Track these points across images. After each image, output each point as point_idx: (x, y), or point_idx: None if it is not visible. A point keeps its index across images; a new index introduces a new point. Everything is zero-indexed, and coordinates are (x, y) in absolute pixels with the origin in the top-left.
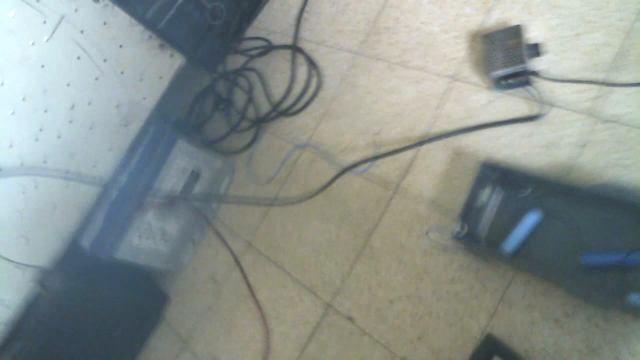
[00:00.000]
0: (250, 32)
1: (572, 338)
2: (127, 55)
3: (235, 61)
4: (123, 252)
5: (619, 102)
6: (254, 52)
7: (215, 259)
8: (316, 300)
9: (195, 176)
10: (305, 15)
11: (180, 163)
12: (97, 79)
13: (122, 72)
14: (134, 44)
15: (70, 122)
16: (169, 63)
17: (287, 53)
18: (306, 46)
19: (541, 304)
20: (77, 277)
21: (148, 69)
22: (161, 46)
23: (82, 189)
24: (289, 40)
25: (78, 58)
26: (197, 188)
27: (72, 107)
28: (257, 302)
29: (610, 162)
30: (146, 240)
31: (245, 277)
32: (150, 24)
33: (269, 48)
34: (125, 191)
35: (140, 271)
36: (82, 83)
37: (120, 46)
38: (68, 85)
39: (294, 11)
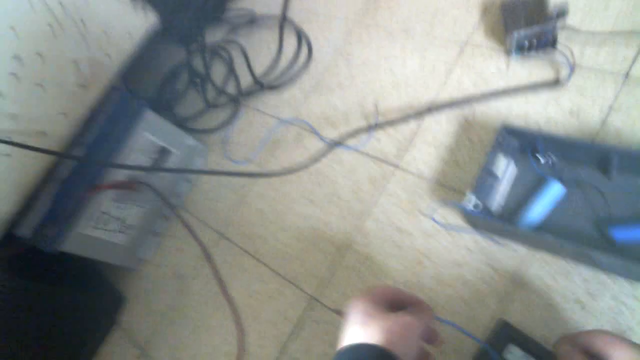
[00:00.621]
0: (234, 3)
1: (598, 319)
2: (91, 2)
3: (215, 34)
4: (72, 243)
5: None
6: (237, 24)
7: (182, 253)
8: (299, 293)
9: (162, 153)
10: None
11: (147, 137)
12: (50, 26)
13: (82, 21)
14: None
15: (14, 75)
16: (141, 20)
17: (274, 24)
18: (296, 16)
19: (561, 285)
20: (12, 273)
21: (115, 22)
22: None
23: (24, 162)
24: (276, 10)
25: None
26: (165, 167)
27: (17, 58)
28: (229, 298)
29: None
30: (101, 230)
31: (216, 271)
32: None
33: (254, 18)
34: (79, 168)
35: (92, 267)
36: (31, 29)
37: None
38: (12, 29)
39: None
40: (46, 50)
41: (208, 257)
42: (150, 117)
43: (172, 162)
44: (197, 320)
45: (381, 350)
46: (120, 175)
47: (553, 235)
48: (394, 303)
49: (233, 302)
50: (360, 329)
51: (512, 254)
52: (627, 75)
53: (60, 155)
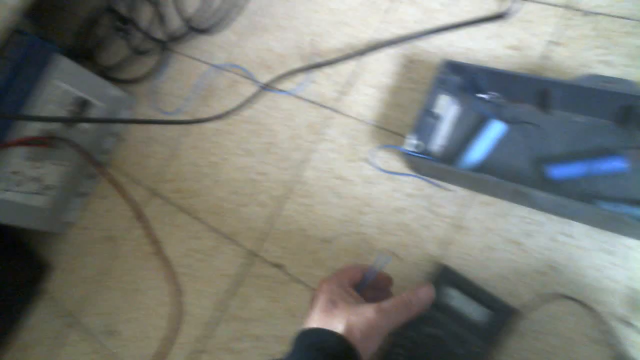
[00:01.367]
0: None
1: (536, 259)
2: None
3: None
4: None
5: None
6: None
7: (112, 214)
8: (238, 249)
9: (82, 105)
10: None
11: (62, 86)
12: None
13: None
14: None
15: None
16: None
17: None
18: None
19: (500, 227)
20: None
21: None
22: None
23: None
24: None
25: None
26: (84, 117)
27: None
28: (165, 258)
29: (591, 58)
30: (13, 192)
31: (149, 230)
32: None
33: None
34: None
35: (10, 233)
36: None
37: None
38: None
39: None
40: None
41: (140, 216)
42: (65, 65)
43: (94, 115)
44: (130, 284)
45: (343, 339)
46: (33, 130)
47: (491, 175)
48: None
49: (168, 262)
50: (324, 316)
51: (453, 197)
52: (567, 6)
53: None
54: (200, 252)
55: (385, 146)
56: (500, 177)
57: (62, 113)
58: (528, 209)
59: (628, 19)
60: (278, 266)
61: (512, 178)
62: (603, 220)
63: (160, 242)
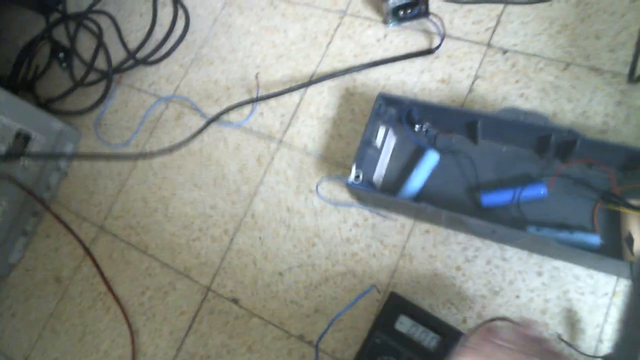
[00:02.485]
0: None
1: (475, 283)
2: None
3: (79, 3)
4: None
5: (516, 32)
6: None
7: (57, 253)
8: (192, 284)
9: (22, 140)
10: None
11: (1, 121)
12: None
13: None
14: None
15: None
16: None
17: None
18: None
19: (442, 253)
20: None
21: None
22: None
23: None
24: None
25: None
26: (26, 157)
27: None
28: (116, 297)
29: (510, 92)
30: None
31: (98, 268)
32: None
33: None
34: None
35: None
36: None
37: None
38: None
39: None
40: None
41: (88, 254)
42: (3, 97)
43: (35, 145)
44: (82, 326)
45: None
46: None
47: (428, 204)
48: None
49: (120, 302)
50: None
51: (396, 226)
52: (489, 44)
53: None
54: (154, 289)
55: (330, 178)
56: (437, 205)
57: (1, 148)
58: (466, 235)
59: (539, 56)
60: (233, 301)
61: (448, 206)
62: (532, 244)
63: (110, 280)
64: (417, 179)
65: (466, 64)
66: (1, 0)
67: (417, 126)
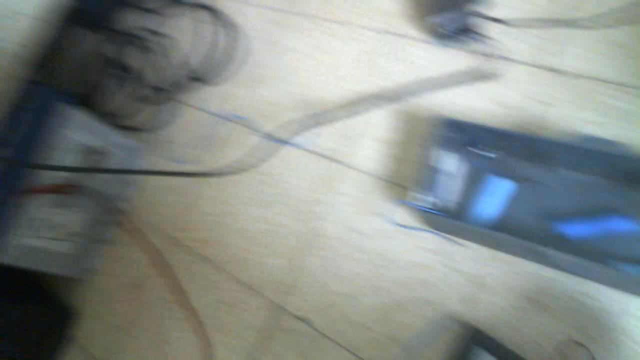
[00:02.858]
0: None
1: (559, 320)
2: None
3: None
4: (12, 255)
5: (586, 57)
6: (163, 13)
7: (136, 261)
8: (263, 301)
9: (98, 156)
10: None
11: (77, 138)
12: None
13: None
14: None
15: None
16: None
17: (203, 14)
18: (225, 5)
19: (520, 285)
20: None
21: (20, 4)
22: None
23: None
24: None
25: None
26: (107, 172)
27: None
28: (192, 309)
29: (582, 119)
30: (42, 239)
31: (174, 279)
32: None
33: (180, 8)
34: (6, 171)
35: (37, 280)
36: None
37: None
38: None
39: None
40: None
41: (164, 264)
42: (78, 115)
43: (111, 162)
44: (157, 334)
45: None
46: (56, 178)
47: (507, 234)
48: None
49: (195, 313)
50: None
51: (470, 254)
52: (557, 69)
53: None
54: (226, 304)
55: (400, 201)
56: (512, 234)
57: (80, 161)
58: (546, 267)
59: (613, 82)
60: (306, 321)
61: (524, 235)
62: (621, 282)
63: (185, 291)
64: (490, 206)
65: (533, 88)
66: (75, 25)
67: (485, 152)
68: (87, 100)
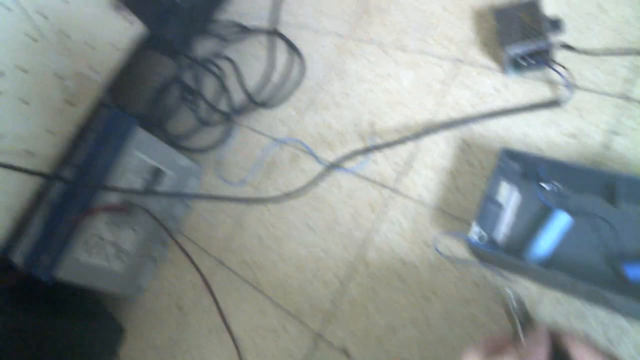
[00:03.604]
0: (221, 14)
1: None
2: (74, 12)
3: (204, 48)
4: (67, 270)
5: None
6: (226, 37)
7: (180, 281)
8: (302, 329)
9: (157, 175)
10: None
11: (139, 156)
12: (35, 41)
13: (63, 32)
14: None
15: None
16: (126, 30)
17: (264, 39)
18: (286, 30)
19: (577, 329)
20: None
21: (98, 33)
22: (117, 7)
23: (12, 184)
24: (266, 24)
25: (8, 10)
26: (159, 190)
27: (0, 74)
28: (231, 333)
29: None
30: (96, 256)
31: (216, 302)
32: None
33: (243, 32)
34: (70, 190)
35: (90, 297)
36: (14, 44)
37: (66, 1)
38: None
39: None
40: (28, 64)
41: (208, 286)
42: (143, 136)
43: (166, 183)
44: (198, 355)
45: None
46: (113, 197)
47: (564, 273)
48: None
49: (235, 337)
50: None
51: (521, 291)
52: (626, 97)
53: (49, 178)
54: (266, 330)
55: (449, 233)
56: (569, 273)
57: (138, 181)
58: (608, 310)
59: None
60: (344, 352)
61: (583, 275)
62: None
63: (226, 314)
64: (546, 242)
65: (599, 117)
66: (140, 53)
67: (545, 184)
68: (157, 122)
